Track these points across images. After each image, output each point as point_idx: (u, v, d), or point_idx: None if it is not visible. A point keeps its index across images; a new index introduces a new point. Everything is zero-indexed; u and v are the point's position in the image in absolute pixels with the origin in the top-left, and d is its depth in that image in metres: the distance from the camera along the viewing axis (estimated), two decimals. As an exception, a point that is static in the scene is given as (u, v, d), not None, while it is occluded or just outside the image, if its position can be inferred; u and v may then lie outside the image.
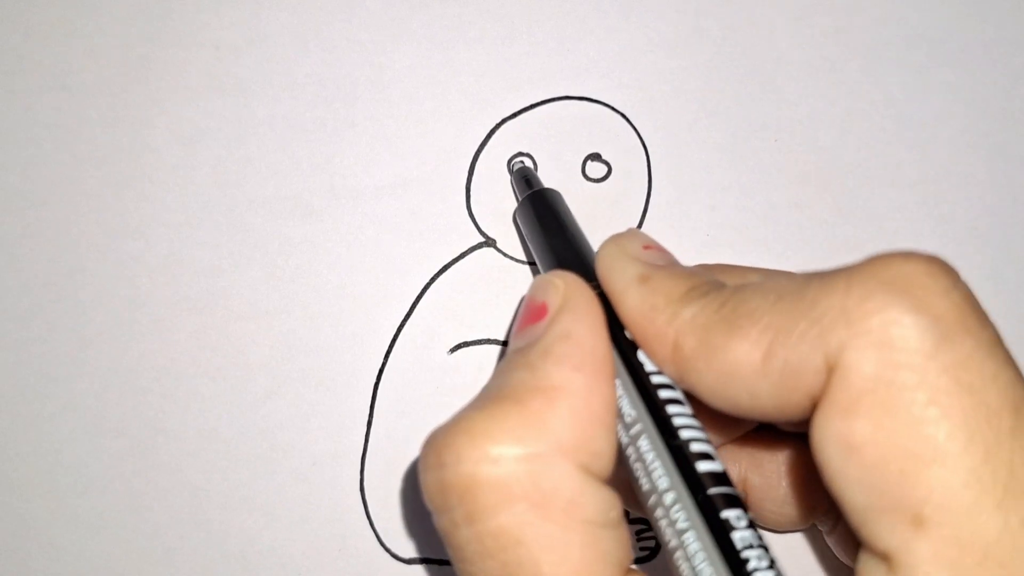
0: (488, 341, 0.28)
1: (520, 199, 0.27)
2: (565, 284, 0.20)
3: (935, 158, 0.30)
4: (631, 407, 0.19)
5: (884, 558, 0.16)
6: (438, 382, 0.28)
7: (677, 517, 0.17)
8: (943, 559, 0.15)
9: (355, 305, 0.28)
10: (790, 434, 0.23)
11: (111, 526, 0.27)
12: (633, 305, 0.19)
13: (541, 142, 0.29)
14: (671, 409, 0.18)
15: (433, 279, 0.29)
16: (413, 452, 0.28)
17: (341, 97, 0.29)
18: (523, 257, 0.29)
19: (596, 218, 0.29)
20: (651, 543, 0.28)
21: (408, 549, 0.27)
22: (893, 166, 0.30)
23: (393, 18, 0.30)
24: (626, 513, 0.20)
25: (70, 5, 0.30)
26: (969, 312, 0.16)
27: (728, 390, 0.18)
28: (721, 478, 0.18)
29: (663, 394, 0.19)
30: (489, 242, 0.29)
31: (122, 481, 0.28)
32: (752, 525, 0.17)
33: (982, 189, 0.30)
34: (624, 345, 0.19)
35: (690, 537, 0.17)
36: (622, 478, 0.19)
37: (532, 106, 0.29)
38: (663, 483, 0.18)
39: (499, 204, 0.29)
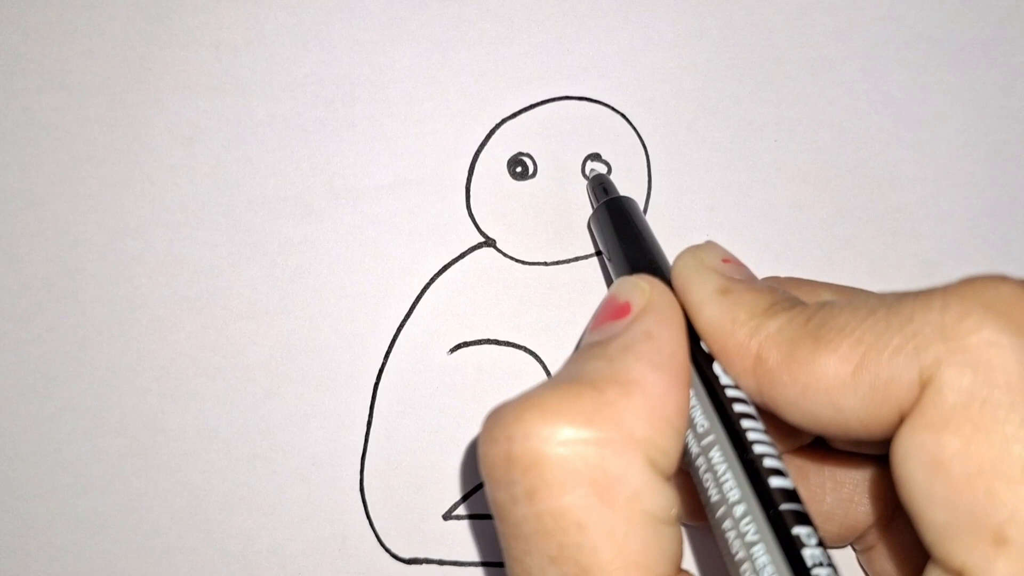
0: (488, 341, 0.28)
1: (596, 205, 0.27)
2: (651, 287, 0.20)
3: (935, 158, 0.30)
4: (704, 418, 0.19)
5: (958, 575, 0.16)
6: (438, 382, 0.28)
7: (747, 529, 0.17)
8: None
9: (355, 305, 0.28)
10: (837, 450, 0.23)
11: (111, 526, 0.27)
12: (713, 317, 0.19)
13: (541, 142, 0.29)
14: (745, 423, 0.19)
15: (433, 279, 0.29)
16: (413, 452, 0.28)
17: (341, 97, 0.29)
18: (523, 257, 0.29)
19: (596, 218, 0.29)
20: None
21: (408, 549, 0.27)
22: (893, 166, 0.30)
23: (393, 18, 0.30)
24: None
25: (69, 5, 0.30)
26: None
27: (811, 404, 0.18)
28: (792, 495, 0.18)
29: (737, 408, 0.19)
30: (489, 242, 0.29)
31: (122, 481, 0.28)
32: (822, 544, 0.17)
33: (982, 189, 0.30)
34: (699, 357, 0.20)
35: (759, 550, 0.17)
36: (680, 485, 0.19)
37: (532, 106, 0.29)
38: (734, 495, 0.18)
39: (499, 204, 0.29)
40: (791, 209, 0.29)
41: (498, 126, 0.29)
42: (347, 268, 0.29)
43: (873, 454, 0.22)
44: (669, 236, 0.29)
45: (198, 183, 0.29)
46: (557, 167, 0.29)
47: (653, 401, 0.18)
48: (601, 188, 0.28)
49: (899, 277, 0.29)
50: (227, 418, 0.28)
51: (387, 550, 0.27)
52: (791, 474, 0.23)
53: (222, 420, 0.28)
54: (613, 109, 0.30)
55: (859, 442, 0.21)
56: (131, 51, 0.29)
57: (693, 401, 0.19)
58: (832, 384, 0.17)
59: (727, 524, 0.18)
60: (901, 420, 0.17)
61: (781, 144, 0.30)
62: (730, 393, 0.19)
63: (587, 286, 0.29)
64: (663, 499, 0.17)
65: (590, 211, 0.29)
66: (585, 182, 0.29)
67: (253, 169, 0.29)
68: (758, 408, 0.19)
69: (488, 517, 0.28)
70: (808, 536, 0.17)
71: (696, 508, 0.21)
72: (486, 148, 0.29)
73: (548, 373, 0.28)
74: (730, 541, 0.18)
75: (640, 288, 0.20)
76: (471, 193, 0.29)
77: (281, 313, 0.28)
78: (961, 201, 0.30)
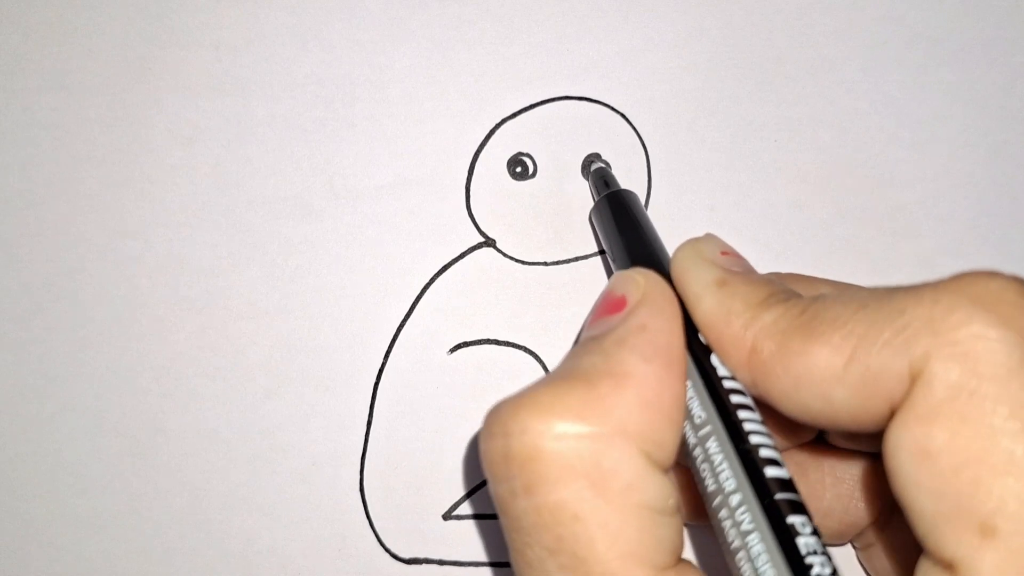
0: (488, 341, 0.28)
1: (597, 198, 0.27)
2: (646, 280, 0.20)
3: (935, 158, 0.30)
4: (701, 409, 0.19)
5: (948, 567, 0.16)
6: (438, 382, 0.28)
7: (743, 519, 0.17)
8: (1008, 569, 0.15)
9: (355, 305, 0.28)
10: (837, 447, 0.23)
11: (111, 526, 0.27)
12: (709, 308, 0.20)
13: (541, 142, 0.29)
14: (742, 414, 0.19)
15: (433, 279, 0.29)
16: (413, 452, 0.28)
17: (340, 97, 0.29)
18: (523, 257, 0.29)
19: (596, 218, 0.29)
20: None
21: (408, 549, 0.27)
22: (893, 166, 0.30)
23: (393, 18, 0.30)
24: None
25: (69, 5, 0.30)
26: None
27: (804, 395, 0.18)
28: (788, 484, 0.18)
29: (734, 399, 0.19)
30: (489, 242, 0.29)
31: (122, 481, 0.28)
32: (816, 532, 0.17)
33: (982, 189, 0.30)
34: (697, 348, 0.20)
35: (754, 539, 0.17)
36: (680, 480, 0.19)
37: (532, 106, 0.29)
38: (730, 484, 0.18)
39: (499, 204, 0.29)
40: (791, 209, 0.29)
41: (498, 126, 0.29)
42: (347, 268, 0.29)
43: (870, 451, 0.23)
44: (669, 236, 0.29)
45: (198, 183, 0.29)
46: (557, 167, 0.29)
47: (647, 393, 0.18)
48: (603, 181, 0.28)
49: (899, 277, 0.29)
50: (227, 418, 0.28)
51: (387, 550, 0.27)
52: (790, 469, 0.23)
53: (222, 420, 0.28)
54: (613, 109, 0.30)
55: (853, 436, 0.22)
56: (131, 51, 0.29)
57: (690, 392, 0.19)
58: (823, 376, 0.17)
59: (723, 514, 0.18)
60: (892, 413, 0.17)
61: (781, 144, 0.30)
62: (727, 384, 0.19)
63: (587, 286, 0.29)
64: (659, 490, 0.17)
65: (590, 210, 0.29)
66: (586, 182, 0.29)
67: (253, 169, 0.29)
68: (757, 401, 0.19)
69: (488, 517, 0.28)
70: (803, 525, 0.17)
71: (700, 507, 0.21)
72: (486, 148, 0.29)
73: (548, 373, 0.28)
74: (726, 531, 0.18)
75: (635, 281, 0.20)
76: (471, 193, 0.29)
77: (281, 313, 0.28)
78: (961, 201, 0.30)
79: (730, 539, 0.18)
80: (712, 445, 0.19)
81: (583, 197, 0.29)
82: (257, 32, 0.30)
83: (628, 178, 0.29)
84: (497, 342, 0.28)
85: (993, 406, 0.16)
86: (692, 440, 0.19)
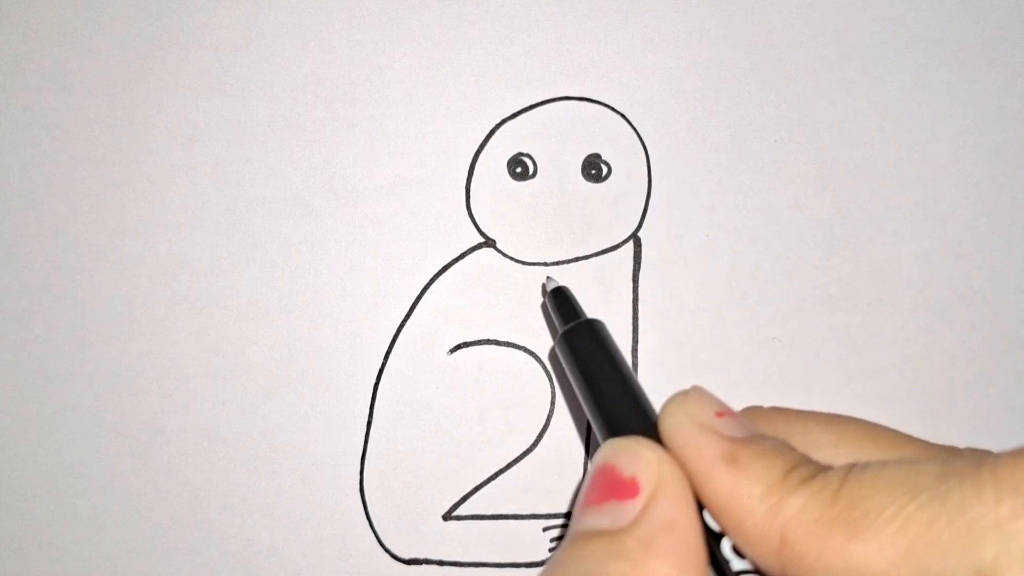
0: (488, 341, 0.28)
1: (561, 330, 0.24)
2: (657, 460, 0.18)
3: (935, 158, 0.30)
4: None
5: None
6: (438, 382, 0.28)
7: None
8: None
9: (355, 305, 0.28)
10: None
11: (111, 526, 0.27)
12: (724, 492, 0.17)
13: (541, 142, 0.29)
14: None
15: (433, 279, 0.29)
16: (413, 452, 0.28)
17: (341, 97, 0.29)
18: (523, 257, 0.29)
19: (596, 218, 0.29)
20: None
21: (408, 549, 0.27)
22: (893, 166, 0.30)
23: (393, 18, 0.30)
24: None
25: (69, 5, 0.30)
26: None
27: None
28: None
29: None
30: (489, 242, 0.29)
31: (122, 481, 0.28)
32: None
33: (982, 189, 0.30)
34: (707, 534, 0.18)
35: None
36: None
37: (532, 106, 0.29)
38: None
39: (499, 204, 0.29)
40: (791, 209, 0.29)
41: (498, 126, 0.29)
42: (347, 268, 0.29)
43: None
44: (669, 236, 0.29)
45: (198, 183, 0.29)
46: (557, 167, 0.29)
47: None
48: (563, 305, 0.25)
49: (899, 277, 0.29)
50: (227, 418, 0.28)
51: (387, 550, 0.27)
52: None
53: (222, 420, 0.28)
54: (613, 109, 0.30)
55: None
56: (131, 51, 0.29)
57: None
58: (872, 573, 0.16)
59: None
60: None
61: (781, 144, 0.30)
62: (737, 566, 0.18)
63: (587, 286, 0.29)
64: None
65: (590, 211, 0.29)
66: (586, 182, 0.29)
67: (253, 169, 0.29)
68: None
69: (487, 517, 0.28)
70: None
71: None
72: (486, 148, 0.29)
73: (548, 373, 0.28)
74: None
75: (645, 460, 0.18)
76: (471, 193, 0.29)
77: (281, 313, 0.28)
78: (961, 201, 0.30)
79: None
80: None
81: (583, 197, 0.29)
82: (257, 32, 0.30)
83: (628, 178, 0.29)
84: (497, 342, 0.28)
85: None
86: None
